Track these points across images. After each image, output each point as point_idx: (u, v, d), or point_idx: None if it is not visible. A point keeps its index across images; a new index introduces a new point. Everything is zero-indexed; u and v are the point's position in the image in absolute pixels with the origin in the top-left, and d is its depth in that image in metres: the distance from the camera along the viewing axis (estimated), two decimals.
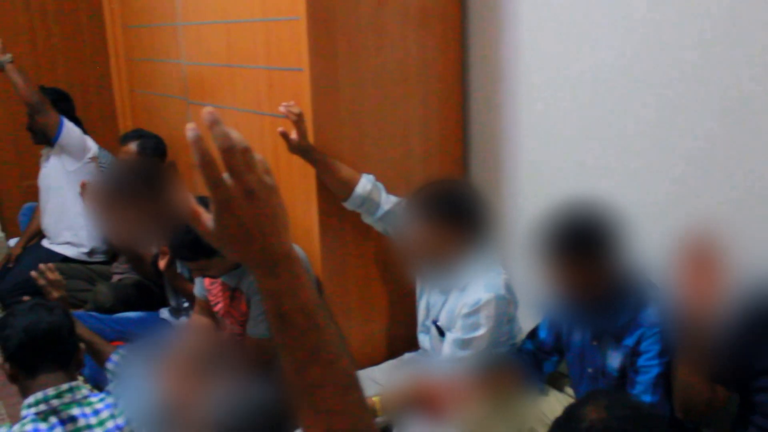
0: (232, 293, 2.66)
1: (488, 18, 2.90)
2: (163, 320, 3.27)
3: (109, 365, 2.26)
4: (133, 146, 3.60)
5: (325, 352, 0.83)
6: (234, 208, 0.77)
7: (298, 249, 2.69)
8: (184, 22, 3.55)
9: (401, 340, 2.91)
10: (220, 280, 2.67)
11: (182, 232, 2.39)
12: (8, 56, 3.75)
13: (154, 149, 3.67)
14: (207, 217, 0.80)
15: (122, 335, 3.16)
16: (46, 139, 3.92)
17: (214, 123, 0.76)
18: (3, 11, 5.13)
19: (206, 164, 0.76)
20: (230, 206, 0.77)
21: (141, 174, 3.23)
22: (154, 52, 4.07)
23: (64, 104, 4.00)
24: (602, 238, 2.03)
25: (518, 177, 2.92)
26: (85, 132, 4.04)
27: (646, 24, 2.37)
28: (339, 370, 0.85)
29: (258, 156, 0.79)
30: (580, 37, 2.58)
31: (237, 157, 0.76)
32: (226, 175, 0.77)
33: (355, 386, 0.88)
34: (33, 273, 2.39)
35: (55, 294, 2.30)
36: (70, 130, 3.87)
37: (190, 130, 0.76)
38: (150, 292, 3.44)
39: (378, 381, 2.64)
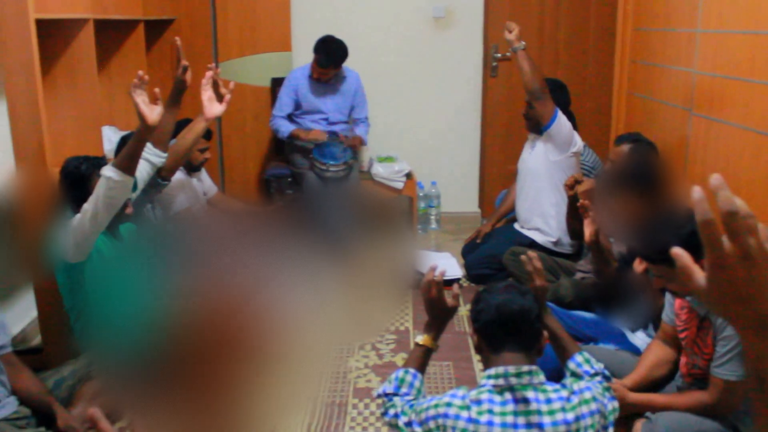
0: (701, 322, 2.47)
1: None
2: (615, 328, 3.20)
3: (571, 364, 2.24)
4: (626, 148, 3.54)
5: None
6: (728, 268, 0.81)
7: None
8: (704, 29, 3.38)
9: None
10: (689, 305, 2.50)
11: (658, 230, 2.29)
12: (522, 44, 3.94)
13: (646, 155, 3.58)
14: (700, 274, 0.85)
15: (573, 332, 3.17)
16: (537, 127, 4.06)
17: (719, 187, 0.80)
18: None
19: (707, 225, 0.80)
20: (725, 267, 0.81)
21: (636, 174, 3.14)
22: (662, 57, 3.97)
23: (559, 95, 4.10)
24: None
25: None
26: (576, 127, 4.10)
27: None
28: None
29: (761, 224, 0.81)
30: None
31: (739, 221, 0.79)
32: (725, 238, 0.81)
33: None
34: (522, 257, 2.44)
35: (538, 282, 2.32)
36: (561, 121, 3.96)
37: (695, 192, 0.81)
38: (609, 298, 3.39)
39: None
